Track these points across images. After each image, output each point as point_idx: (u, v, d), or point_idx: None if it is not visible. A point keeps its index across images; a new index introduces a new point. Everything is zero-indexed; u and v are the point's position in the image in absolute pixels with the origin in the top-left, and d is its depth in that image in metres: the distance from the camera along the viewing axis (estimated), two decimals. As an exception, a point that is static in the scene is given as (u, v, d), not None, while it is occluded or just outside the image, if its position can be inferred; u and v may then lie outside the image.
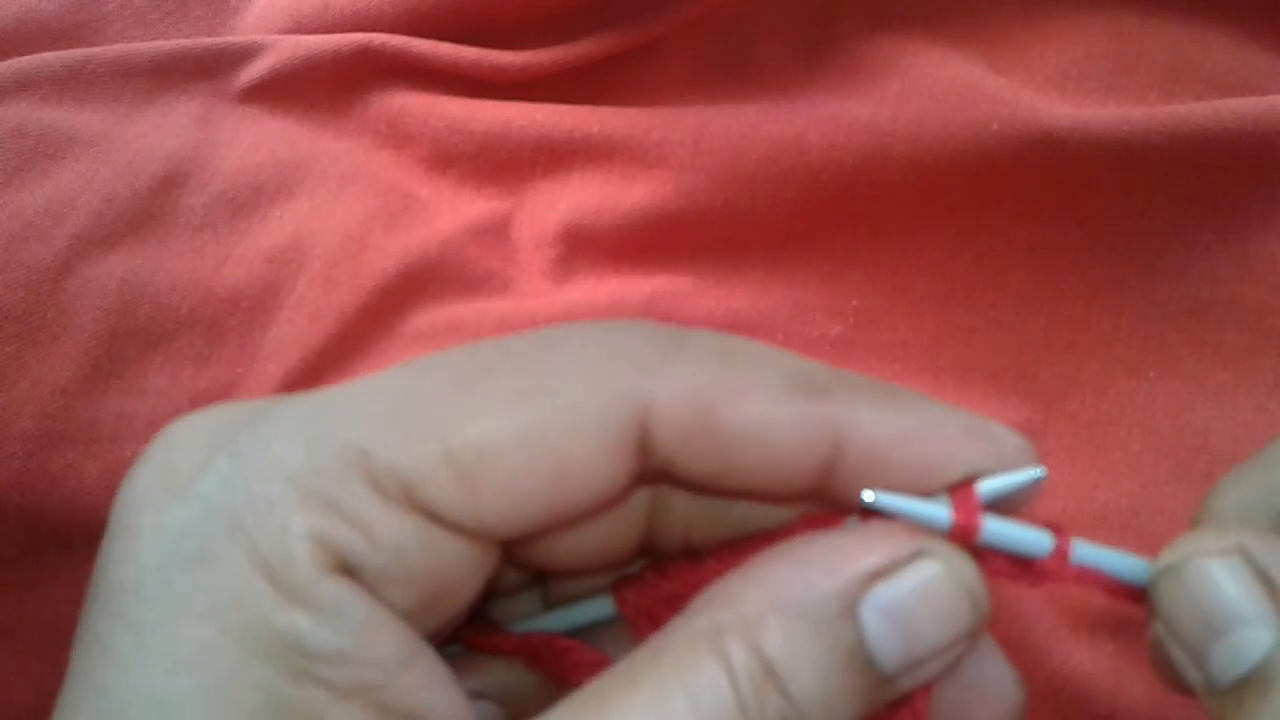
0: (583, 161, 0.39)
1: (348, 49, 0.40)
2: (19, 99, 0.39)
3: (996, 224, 0.36)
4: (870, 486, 0.20)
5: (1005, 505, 0.21)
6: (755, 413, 0.20)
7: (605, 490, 0.20)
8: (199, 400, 0.35)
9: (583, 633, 0.23)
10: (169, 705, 0.18)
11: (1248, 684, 0.20)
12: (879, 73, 0.37)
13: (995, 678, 0.21)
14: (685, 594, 0.20)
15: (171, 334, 0.36)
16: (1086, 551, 0.21)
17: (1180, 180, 0.34)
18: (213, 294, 0.37)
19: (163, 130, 0.39)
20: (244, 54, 0.41)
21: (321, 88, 0.41)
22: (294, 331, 0.36)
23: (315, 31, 0.41)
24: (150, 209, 0.38)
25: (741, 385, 0.20)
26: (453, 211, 0.39)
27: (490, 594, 0.24)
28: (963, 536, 0.20)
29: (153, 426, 0.35)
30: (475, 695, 0.22)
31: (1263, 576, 0.20)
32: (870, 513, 0.20)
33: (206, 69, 0.41)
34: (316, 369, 0.36)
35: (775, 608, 0.19)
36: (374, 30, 0.41)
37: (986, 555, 0.21)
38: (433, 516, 0.19)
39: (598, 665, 0.22)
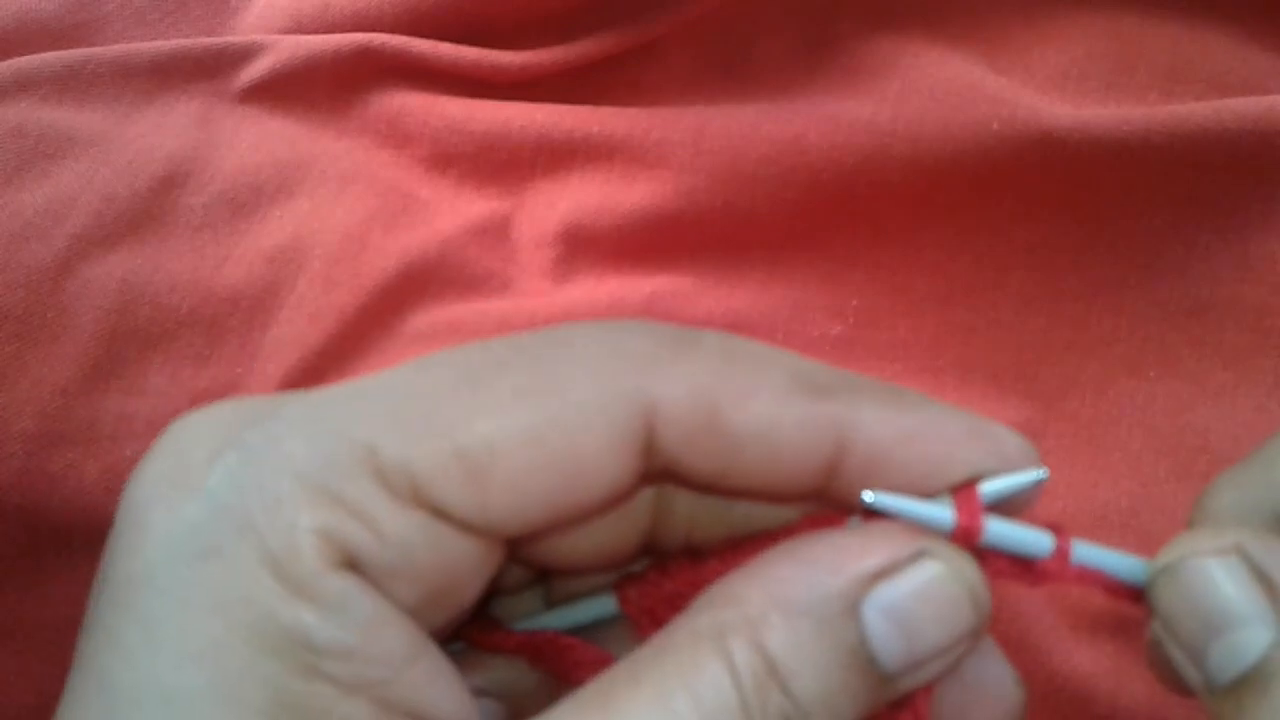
0: (583, 161, 0.39)
1: (348, 49, 0.40)
2: (19, 99, 0.39)
3: (996, 224, 0.36)
4: (873, 487, 0.20)
5: (1007, 507, 0.21)
6: (759, 413, 0.20)
7: (611, 489, 0.20)
8: (199, 400, 0.35)
9: (585, 631, 0.23)
10: (177, 699, 0.18)
11: (1246, 683, 0.20)
12: (879, 73, 0.37)
13: (996, 678, 0.21)
14: (688, 593, 0.21)
15: (171, 334, 0.36)
16: (1086, 552, 0.21)
17: (1180, 180, 0.34)
18: (213, 294, 0.37)
19: (163, 130, 0.39)
20: (244, 54, 0.41)
21: (321, 88, 0.41)
22: (294, 331, 0.36)
23: (315, 31, 0.41)
24: (150, 209, 0.38)
25: (746, 385, 0.20)
26: (453, 211, 0.39)
27: (493, 592, 0.24)
28: (965, 537, 0.20)
29: (153, 426, 0.35)
30: (478, 693, 0.22)
31: (1260, 575, 0.20)
32: (873, 513, 0.20)
33: (206, 69, 0.41)
34: (316, 369, 0.36)
35: (778, 607, 0.19)
36: (374, 30, 0.41)
37: (988, 556, 0.21)
38: (440, 514, 0.19)
39: (600, 663, 0.22)
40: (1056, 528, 0.21)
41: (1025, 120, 0.34)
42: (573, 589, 0.24)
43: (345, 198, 0.38)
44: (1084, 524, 0.33)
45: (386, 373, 0.21)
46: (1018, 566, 0.21)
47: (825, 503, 0.21)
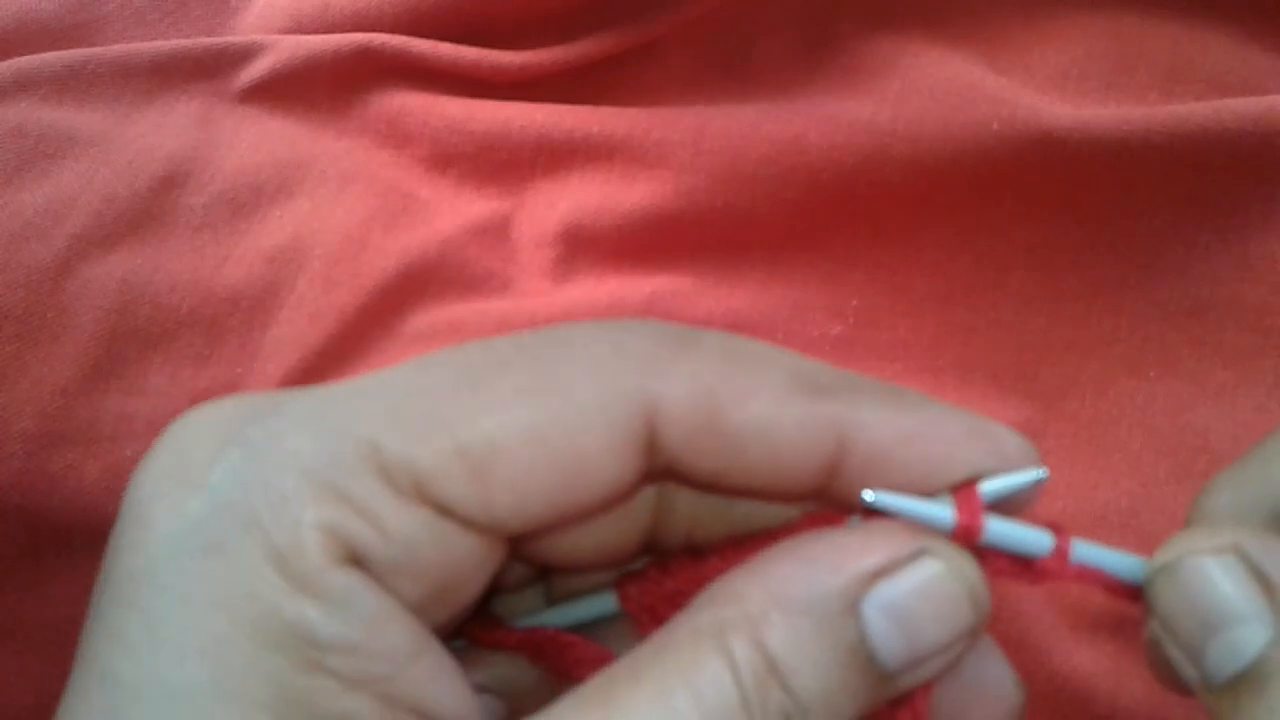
0: (583, 161, 0.39)
1: (348, 49, 0.40)
2: (19, 99, 0.39)
3: (996, 224, 0.36)
4: (874, 486, 0.20)
5: (1007, 506, 0.21)
6: (760, 412, 0.20)
7: (613, 487, 0.20)
8: (199, 400, 0.35)
9: (586, 629, 0.23)
10: (180, 694, 0.18)
11: (1244, 681, 0.20)
12: (879, 73, 0.37)
13: (995, 678, 0.22)
14: (688, 591, 0.21)
15: (171, 334, 0.36)
16: (1085, 551, 0.21)
17: (1180, 180, 0.34)
18: (213, 294, 0.37)
19: (163, 130, 0.39)
20: (244, 54, 0.41)
21: (321, 88, 0.41)
22: (294, 331, 0.36)
23: (315, 31, 0.41)
24: (150, 209, 0.38)
25: (747, 385, 0.20)
26: (453, 211, 0.39)
27: (495, 589, 0.24)
28: (966, 536, 0.20)
29: (153, 426, 0.35)
30: (478, 690, 0.22)
31: (1258, 574, 0.20)
32: (873, 512, 0.20)
33: (206, 69, 0.41)
34: (316, 369, 0.36)
35: (778, 604, 0.19)
36: (374, 30, 0.41)
37: (987, 555, 0.21)
38: (444, 510, 0.19)
39: (601, 661, 0.22)
40: (1056, 527, 0.21)
41: (1025, 120, 0.34)
42: (574, 587, 0.24)
43: (345, 198, 0.38)
44: (1084, 524, 0.33)
45: (389, 370, 0.21)
46: (1017, 565, 0.21)
47: (826, 502, 0.21)
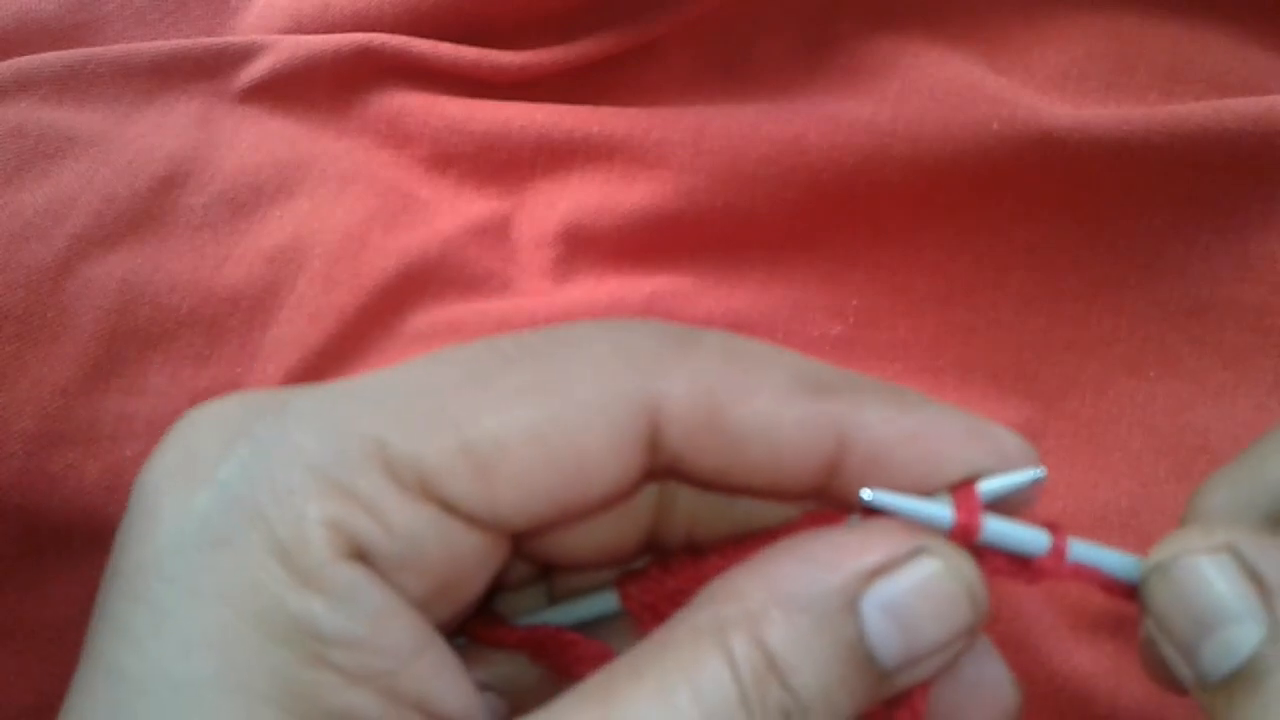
0: (583, 161, 0.39)
1: (348, 49, 0.40)
2: (19, 99, 0.39)
3: (996, 224, 0.36)
4: (873, 485, 0.20)
5: (1006, 506, 0.21)
6: (761, 411, 0.20)
7: (616, 485, 0.20)
8: (199, 400, 0.35)
9: (587, 627, 0.23)
10: (185, 686, 0.18)
11: (1238, 680, 0.20)
12: (879, 73, 0.37)
13: (992, 678, 0.22)
14: (689, 589, 0.21)
15: (171, 334, 0.36)
16: (1082, 550, 0.21)
17: (1180, 180, 0.34)
18: (213, 294, 0.37)
19: (163, 130, 0.39)
20: (244, 54, 0.41)
21: (321, 88, 0.41)
22: (294, 331, 0.36)
23: (315, 31, 0.41)
24: (150, 209, 0.38)
25: (748, 383, 0.20)
26: (453, 211, 0.39)
27: (497, 587, 0.24)
28: (964, 535, 0.20)
29: (153, 426, 0.35)
30: (480, 687, 0.22)
31: (1252, 573, 0.20)
32: (873, 511, 0.20)
33: (206, 69, 0.41)
34: (316, 369, 0.36)
35: (778, 602, 0.19)
36: (374, 30, 0.41)
37: (985, 554, 0.21)
38: (448, 507, 0.19)
39: (602, 659, 0.22)
40: (1053, 526, 0.21)
41: (1025, 120, 0.34)
42: (575, 585, 0.24)
43: (345, 198, 0.38)
44: (1084, 524, 0.33)
45: (395, 368, 0.21)
46: (1015, 564, 0.21)
47: (826, 501, 0.21)
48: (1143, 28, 0.37)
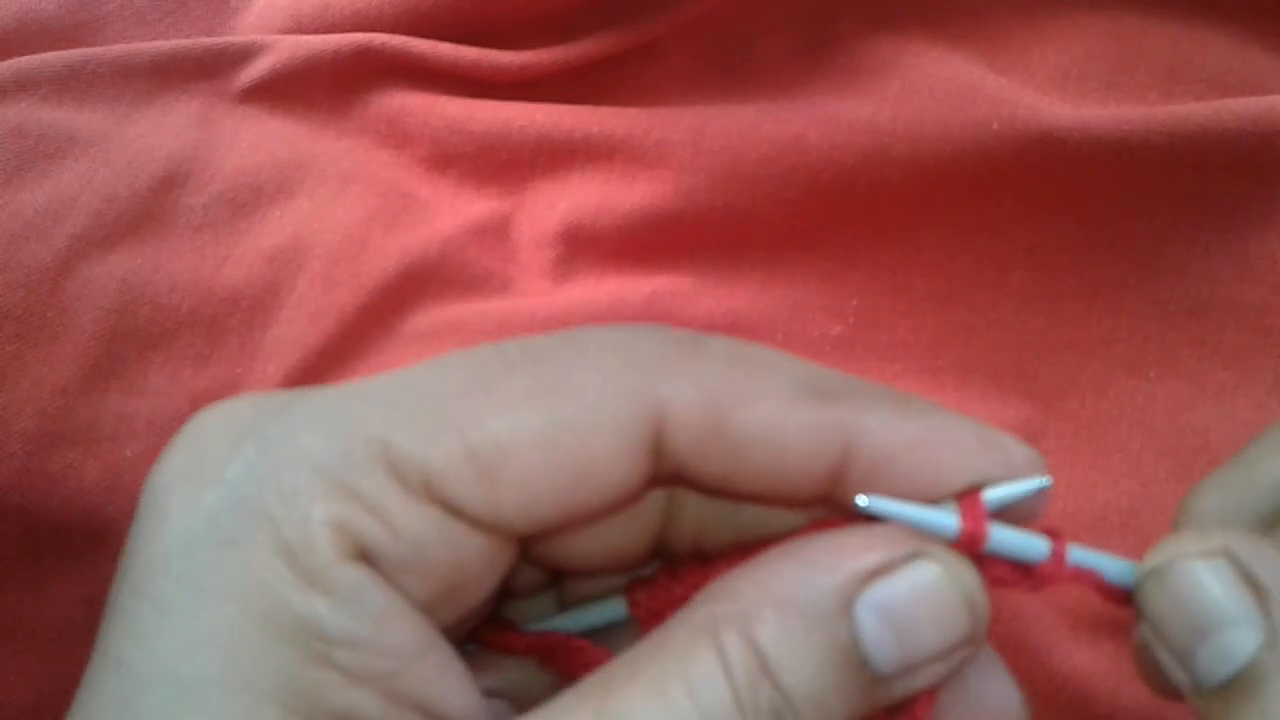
0: (583, 161, 0.39)
1: (348, 49, 0.40)
2: (19, 99, 0.39)
3: (996, 224, 0.36)
4: (878, 492, 0.20)
5: (1011, 516, 0.21)
6: (765, 417, 0.20)
7: (620, 490, 0.20)
8: (199, 400, 0.35)
9: (597, 634, 0.23)
10: (189, 683, 0.18)
11: (1235, 685, 0.20)
12: (879, 73, 0.37)
13: (999, 694, 0.21)
14: (695, 596, 0.21)
15: (171, 334, 0.36)
16: (1081, 556, 0.21)
17: (1180, 180, 0.34)
18: (213, 294, 0.37)
19: (163, 130, 0.39)
20: (244, 54, 0.41)
21: (321, 88, 0.41)
22: (294, 331, 0.36)
23: (315, 31, 0.41)
24: (150, 209, 0.38)
25: (753, 389, 0.20)
26: (453, 211, 0.39)
27: (507, 595, 0.24)
28: (970, 544, 0.20)
29: (153, 426, 0.35)
30: (489, 694, 0.22)
31: (1248, 578, 0.20)
32: (880, 519, 0.20)
33: (206, 69, 0.41)
34: (316, 369, 0.36)
35: (771, 602, 0.19)
36: (374, 30, 0.41)
37: (988, 562, 0.21)
38: (452, 510, 0.19)
39: None
40: (1051, 532, 0.21)
41: (1025, 120, 0.34)
42: (585, 592, 0.24)
43: (345, 198, 0.38)
44: (1084, 524, 0.33)
45: (402, 371, 0.21)
46: (1018, 573, 0.21)
47: (833, 509, 0.21)
48: (1143, 28, 0.37)
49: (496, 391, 0.20)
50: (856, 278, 0.37)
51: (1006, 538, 0.20)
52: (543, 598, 0.24)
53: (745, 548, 0.22)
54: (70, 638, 0.34)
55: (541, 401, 0.20)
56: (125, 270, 0.36)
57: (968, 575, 0.20)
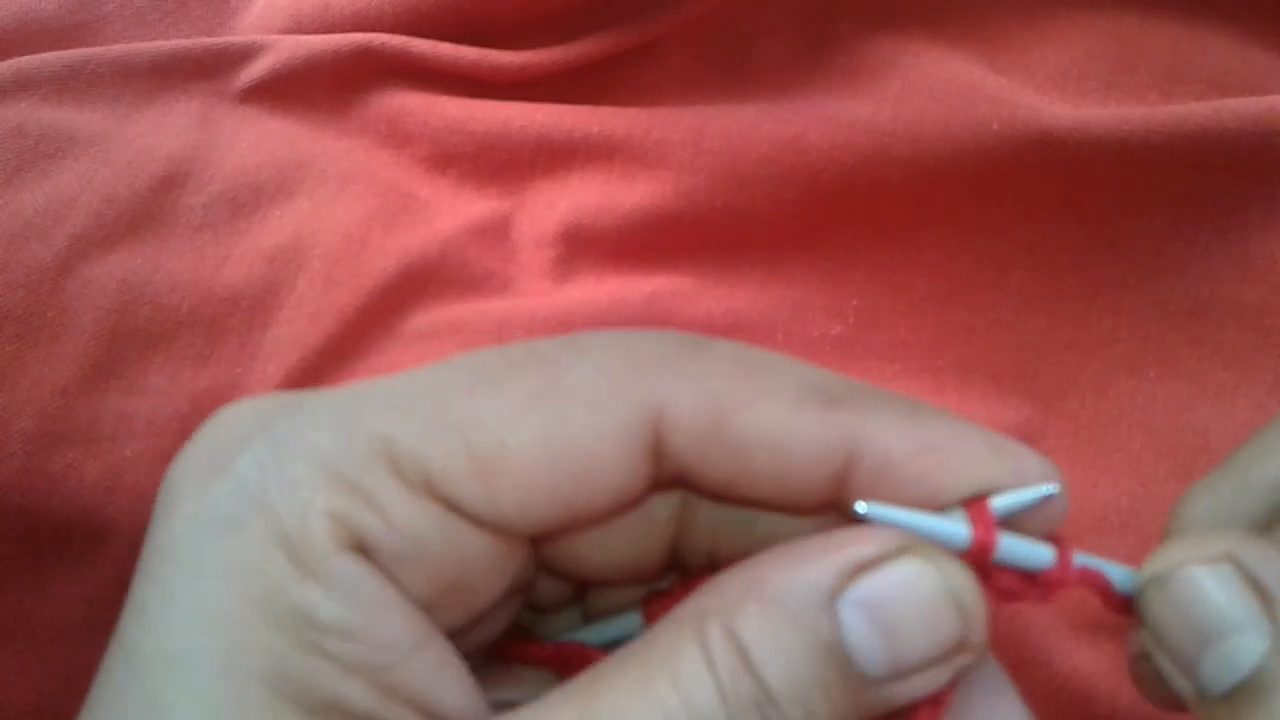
0: (583, 161, 0.39)
1: (348, 49, 0.40)
2: (19, 99, 0.39)
3: (996, 224, 0.36)
4: (883, 498, 0.20)
5: (1028, 529, 0.20)
6: (768, 420, 0.20)
7: (621, 491, 0.20)
8: (199, 400, 0.35)
9: (615, 646, 0.23)
10: (186, 661, 0.18)
11: (1243, 693, 0.20)
12: (879, 73, 0.37)
13: (1007, 717, 0.21)
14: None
15: (171, 334, 0.36)
16: (1086, 563, 0.21)
17: (1180, 180, 0.34)
18: (213, 294, 0.37)
19: (163, 130, 0.39)
20: (244, 54, 0.41)
21: (321, 88, 0.41)
22: (294, 331, 0.36)
23: (315, 31, 0.41)
24: (150, 209, 0.38)
25: (755, 392, 0.20)
26: (453, 211, 0.39)
27: (534, 609, 0.24)
28: (980, 552, 0.20)
29: (153, 426, 0.35)
30: (508, 704, 0.22)
31: (1253, 582, 0.20)
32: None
33: (206, 69, 0.41)
34: (316, 369, 0.36)
35: (756, 596, 0.19)
36: (374, 30, 0.41)
37: (995, 573, 0.20)
38: (452, 506, 0.20)
39: None
40: (1056, 540, 0.21)
41: (1025, 120, 0.34)
42: (607, 606, 0.24)
43: (345, 198, 0.38)
44: (1084, 524, 0.33)
45: (410, 372, 0.21)
46: (1024, 583, 0.20)
47: (840, 515, 0.21)
48: (1143, 28, 0.37)
49: (498, 391, 0.20)
50: (856, 278, 0.37)
51: (1013, 546, 0.20)
52: (567, 612, 0.25)
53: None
54: (70, 638, 0.34)
55: (542, 401, 0.20)
56: (125, 270, 0.36)
57: (956, 574, 0.19)
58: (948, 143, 0.35)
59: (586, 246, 0.38)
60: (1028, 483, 0.20)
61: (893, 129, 0.35)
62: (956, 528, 0.20)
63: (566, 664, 0.23)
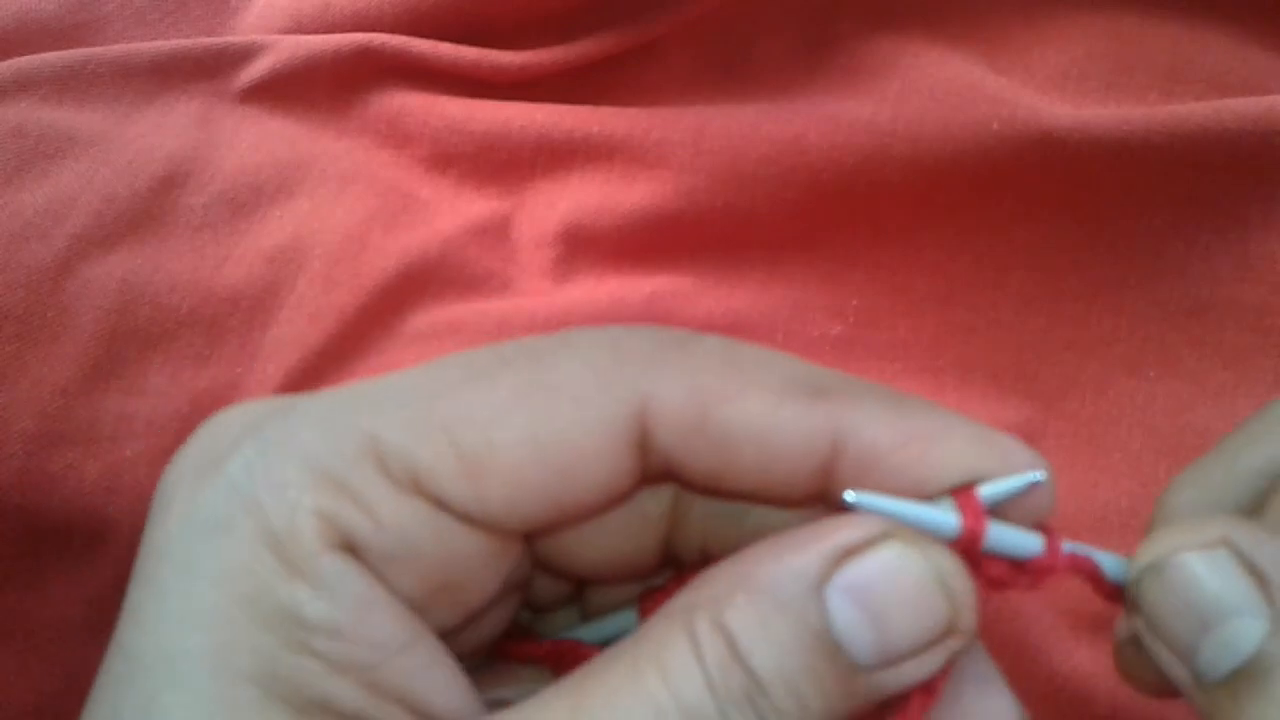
0: (583, 161, 0.39)
1: (348, 49, 0.40)
2: (19, 99, 0.39)
3: (996, 224, 0.36)
4: (870, 489, 0.20)
5: (1016, 518, 0.20)
6: (752, 411, 0.20)
7: (609, 486, 0.20)
8: (199, 400, 0.35)
9: (612, 643, 0.23)
10: (177, 661, 0.18)
11: (1242, 677, 0.20)
12: (879, 73, 0.37)
13: (996, 707, 0.21)
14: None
15: (171, 334, 0.36)
16: (1076, 550, 0.21)
17: (1180, 180, 0.34)
18: (213, 294, 0.37)
19: (163, 130, 0.39)
20: (244, 54, 0.41)
21: (321, 88, 0.41)
22: (294, 331, 0.36)
23: (315, 31, 0.41)
24: (150, 209, 0.38)
25: (740, 384, 0.20)
26: (453, 211, 0.39)
27: (533, 609, 0.24)
28: (970, 540, 0.20)
29: (153, 426, 0.35)
30: (505, 702, 0.22)
31: (1250, 567, 0.20)
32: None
33: (206, 69, 0.41)
34: (316, 369, 0.36)
35: (743, 586, 0.19)
36: (374, 30, 0.41)
37: (984, 562, 0.20)
38: (440, 504, 0.20)
39: None
40: (1045, 529, 0.21)
41: (1025, 120, 0.34)
42: (605, 604, 0.24)
43: (345, 198, 0.38)
44: (1084, 524, 0.33)
45: (400, 372, 0.21)
46: (1013, 570, 0.20)
47: (828, 507, 0.21)
48: (1143, 28, 0.37)
49: (485, 389, 0.20)
50: (856, 278, 0.37)
51: (1002, 534, 0.20)
52: (566, 611, 0.25)
53: None
54: (70, 638, 0.34)
55: (529, 398, 0.20)
56: (125, 270, 0.36)
57: (942, 557, 0.19)
58: (948, 143, 0.35)
59: (586, 246, 0.38)
60: (1014, 471, 0.20)
61: (893, 129, 0.35)
62: (945, 516, 0.20)
63: (563, 661, 0.23)
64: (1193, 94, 0.36)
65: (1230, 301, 0.34)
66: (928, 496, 0.20)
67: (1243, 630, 0.20)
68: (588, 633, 0.24)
